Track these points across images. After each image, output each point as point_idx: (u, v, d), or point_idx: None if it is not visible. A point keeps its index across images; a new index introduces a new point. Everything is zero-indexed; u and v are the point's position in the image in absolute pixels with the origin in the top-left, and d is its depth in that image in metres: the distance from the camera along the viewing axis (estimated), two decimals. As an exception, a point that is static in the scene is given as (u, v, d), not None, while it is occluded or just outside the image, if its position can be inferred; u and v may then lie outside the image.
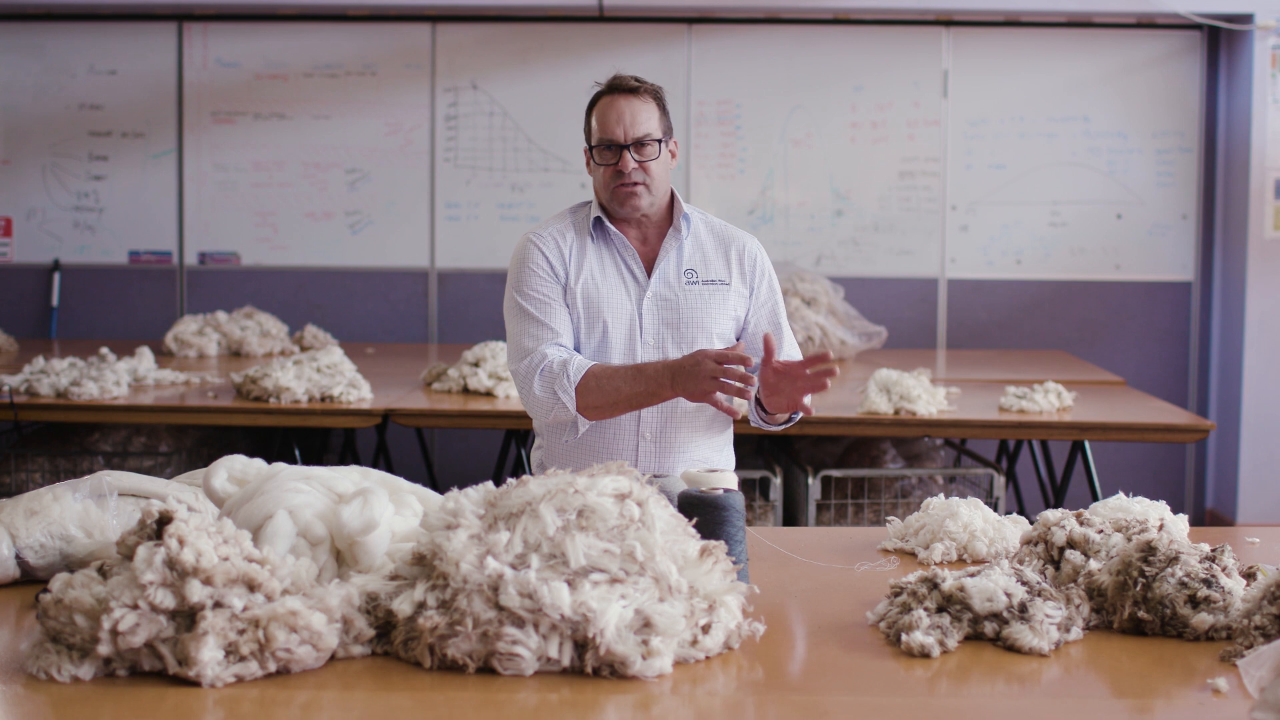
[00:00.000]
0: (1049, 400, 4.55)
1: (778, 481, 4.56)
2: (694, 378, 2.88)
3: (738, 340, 3.17)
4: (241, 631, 1.80)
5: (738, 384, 2.85)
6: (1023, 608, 2.01)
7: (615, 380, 2.97)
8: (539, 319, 3.05)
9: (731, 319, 3.15)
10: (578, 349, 3.09)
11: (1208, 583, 2.05)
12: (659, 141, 3.06)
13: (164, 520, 1.86)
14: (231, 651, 1.80)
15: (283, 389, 4.53)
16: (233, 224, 7.04)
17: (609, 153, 3.04)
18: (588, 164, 3.14)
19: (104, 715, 1.72)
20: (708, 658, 1.93)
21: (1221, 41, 6.88)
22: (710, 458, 3.16)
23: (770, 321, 3.20)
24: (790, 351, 3.21)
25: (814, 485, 4.51)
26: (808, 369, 2.88)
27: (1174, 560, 2.08)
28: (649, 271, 3.13)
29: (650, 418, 3.09)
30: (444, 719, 1.73)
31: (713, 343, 3.12)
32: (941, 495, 2.75)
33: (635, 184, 3.04)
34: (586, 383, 2.97)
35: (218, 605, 1.80)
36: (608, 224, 3.11)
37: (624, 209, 3.08)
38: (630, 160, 3.02)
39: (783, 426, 3.15)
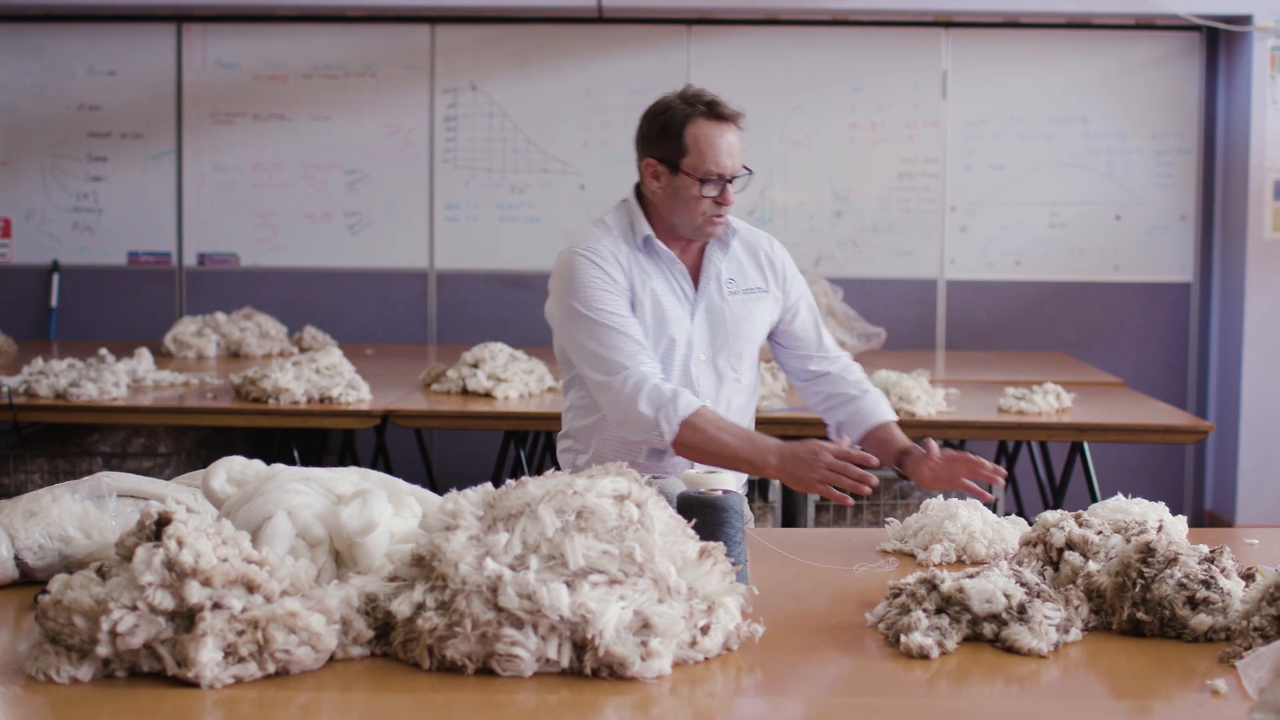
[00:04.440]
0: (1048, 401, 4.55)
1: (776, 482, 4.56)
2: (808, 466, 2.75)
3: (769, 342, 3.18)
4: (240, 633, 1.80)
5: (852, 484, 2.71)
6: (1021, 609, 2.01)
7: (725, 434, 2.86)
8: (624, 332, 2.94)
9: (767, 324, 3.14)
10: None
11: (1206, 584, 2.05)
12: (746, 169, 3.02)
13: (163, 521, 1.86)
14: (230, 653, 1.79)
15: (282, 390, 4.52)
16: (232, 225, 7.04)
17: (713, 185, 2.95)
18: (655, 175, 3.00)
19: (103, 716, 1.72)
20: (707, 659, 1.93)
21: (1220, 43, 6.88)
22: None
23: (810, 311, 3.20)
24: (826, 341, 3.21)
25: (813, 486, 4.50)
26: (979, 469, 2.81)
27: (1173, 561, 2.08)
28: (695, 284, 3.07)
29: None
30: (443, 720, 1.73)
31: (754, 352, 3.12)
32: (940, 496, 2.75)
33: (725, 212, 3.01)
34: (693, 421, 2.86)
35: (216, 606, 1.80)
36: (657, 241, 3.03)
37: (712, 237, 3.02)
38: (731, 193, 2.96)
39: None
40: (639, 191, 3.09)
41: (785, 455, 2.79)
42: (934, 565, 2.50)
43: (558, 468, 2.73)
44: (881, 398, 3.20)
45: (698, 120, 2.96)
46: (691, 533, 2.04)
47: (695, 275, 3.08)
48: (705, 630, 1.92)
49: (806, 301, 3.21)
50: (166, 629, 1.80)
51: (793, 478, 2.77)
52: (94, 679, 1.81)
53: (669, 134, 2.98)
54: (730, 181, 2.96)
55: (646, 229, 3.03)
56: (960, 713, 1.80)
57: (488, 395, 4.77)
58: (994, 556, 2.50)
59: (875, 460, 2.77)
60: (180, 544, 1.81)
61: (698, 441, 2.87)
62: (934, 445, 2.90)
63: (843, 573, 2.46)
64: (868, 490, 2.69)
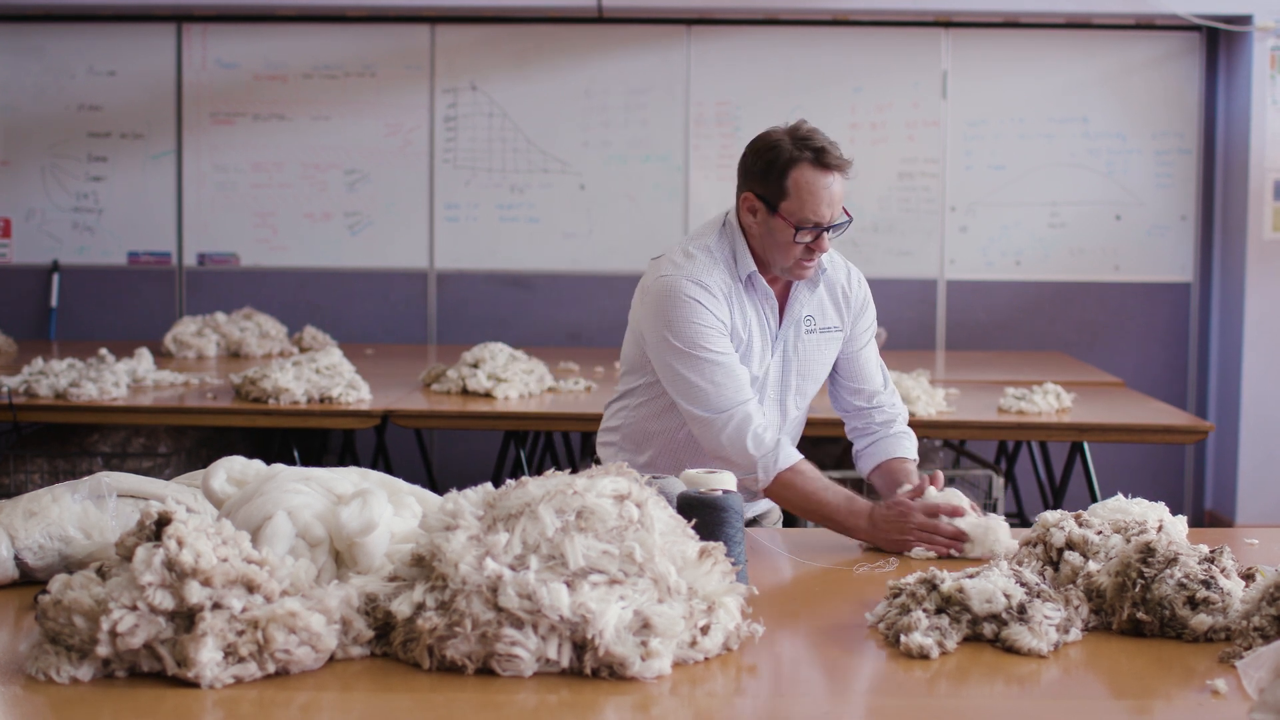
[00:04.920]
0: (1048, 401, 4.55)
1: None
2: (899, 528, 2.65)
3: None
4: (240, 633, 1.80)
5: (947, 542, 2.61)
6: (1021, 609, 2.01)
7: (825, 493, 2.78)
8: (729, 369, 2.87)
9: (833, 362, 3.10)
10: None
11: (1206, 584, 2.05)
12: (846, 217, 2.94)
13: (163, 521, 1.86)
14: (230, 653, 1.79)
15: (282, 390, 4.52)
16: (232, 225, 7.04)
17: (809, 232, 2.87)
18: (751, 210, 2.92)
19: (103, 716, 1.72)
20: (707, 659, 1.93)
21: (1220, 43, 6.88)
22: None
23: (871, 348, 3.14)
24: (881, 381, 3.14)
25: (813, 486, 4.50)
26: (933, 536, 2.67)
27: (1173, 561, 2.08)
28: (780, 319, 3.02)
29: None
30: (443, 720, 1.73)
31: (816, 390, 3.08)
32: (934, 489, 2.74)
33: (817, 258, 2.93)
34: (789, 478, 2.82)
35: (216, 606, 1.80)
36: (760, 278, 2.96)
37: (801, 279, 2.96)
38: (827, 241, 2.89)
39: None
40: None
41: (877, 519, 2.69)
42: (934, 565, 2.50)
43: (575, 468, 2.70)
44: (906, 436, 3.11)
45: (803, 166, 2.85)
46: (691, 533, 2.04)
47: (779, 306, 3.02)
48: (705, 630, 1.92)
49: (870, 336, 3.15)
50: (166, 629, 1.80)
51: (885, 540, 2.66)
52: (94, 679, 1.81)
53: (771, 174, 2.88)
54: (828, 230, 2.88)
55: (751, 266, 2.95)
56: (960, 713, 1.80)
57: (488, 395, 4.77)
58: (994, 557, 2.50)
59: (965, 508, 2.66)
60: (180, 544, 1.81)
61: (793, 498, 2.83)
62: (932, 490, 2.76)
63: (843, 572, 2.46)
64: (963, 547, 2.60)
